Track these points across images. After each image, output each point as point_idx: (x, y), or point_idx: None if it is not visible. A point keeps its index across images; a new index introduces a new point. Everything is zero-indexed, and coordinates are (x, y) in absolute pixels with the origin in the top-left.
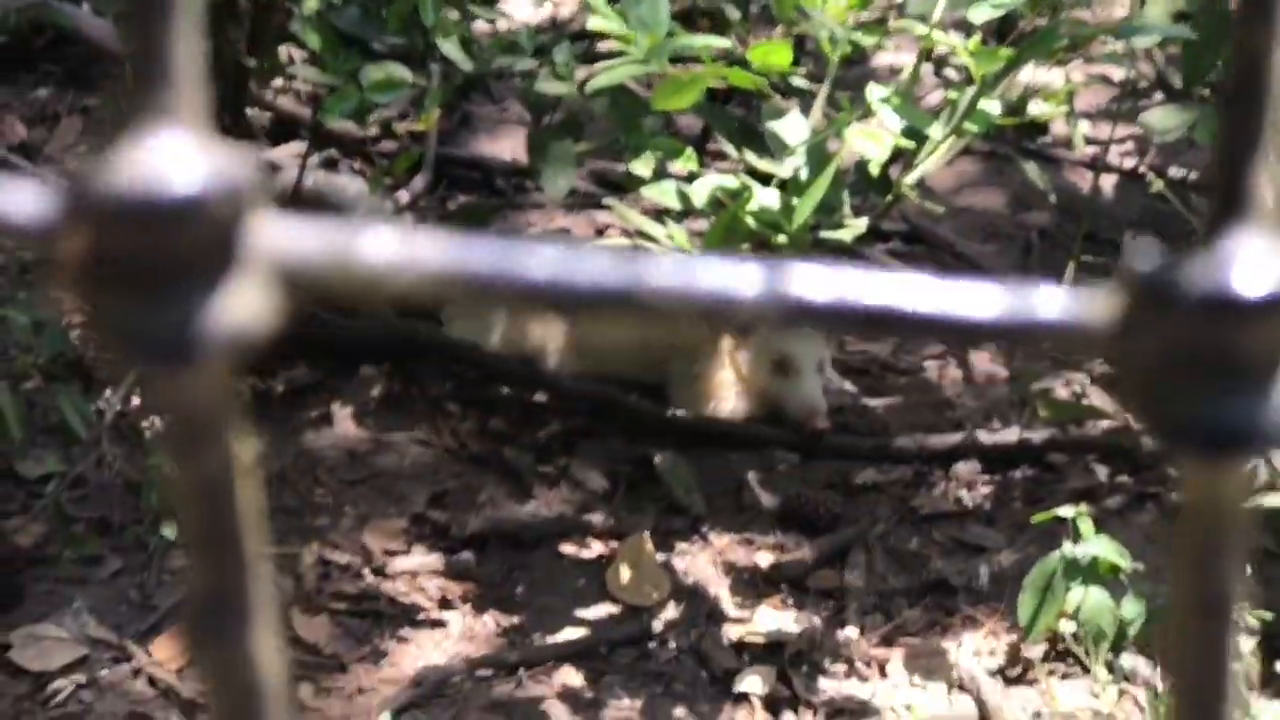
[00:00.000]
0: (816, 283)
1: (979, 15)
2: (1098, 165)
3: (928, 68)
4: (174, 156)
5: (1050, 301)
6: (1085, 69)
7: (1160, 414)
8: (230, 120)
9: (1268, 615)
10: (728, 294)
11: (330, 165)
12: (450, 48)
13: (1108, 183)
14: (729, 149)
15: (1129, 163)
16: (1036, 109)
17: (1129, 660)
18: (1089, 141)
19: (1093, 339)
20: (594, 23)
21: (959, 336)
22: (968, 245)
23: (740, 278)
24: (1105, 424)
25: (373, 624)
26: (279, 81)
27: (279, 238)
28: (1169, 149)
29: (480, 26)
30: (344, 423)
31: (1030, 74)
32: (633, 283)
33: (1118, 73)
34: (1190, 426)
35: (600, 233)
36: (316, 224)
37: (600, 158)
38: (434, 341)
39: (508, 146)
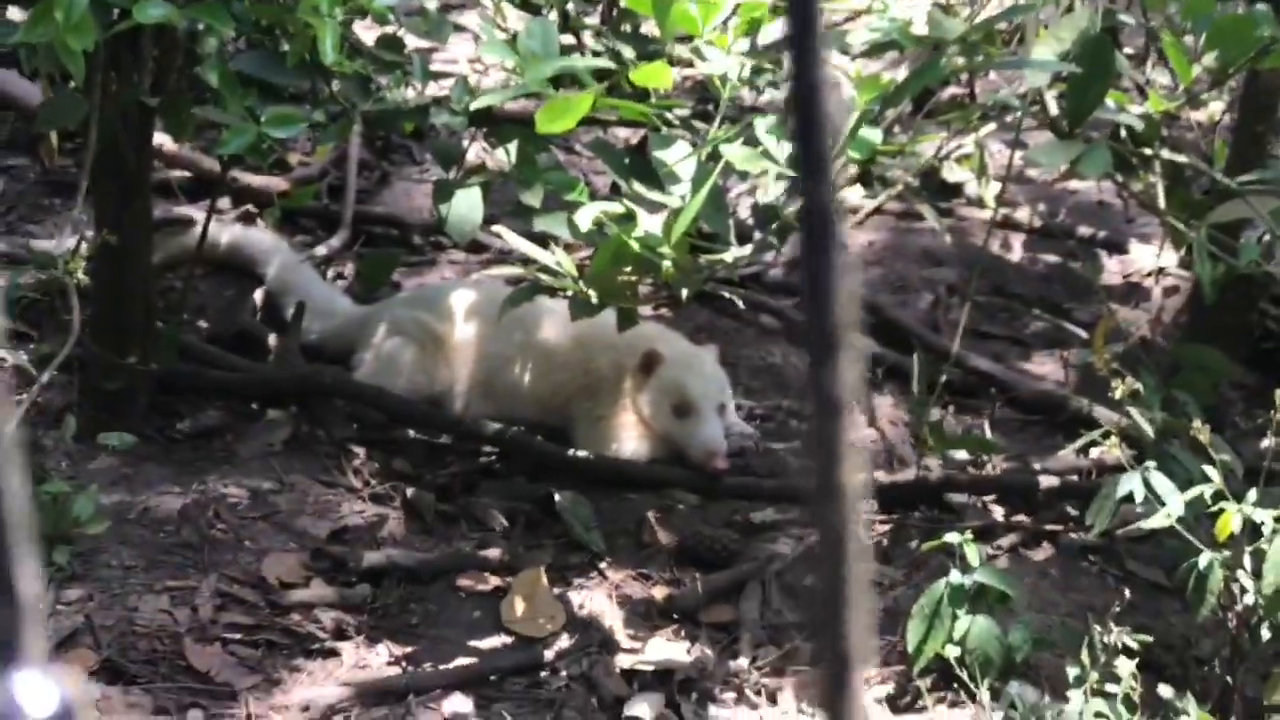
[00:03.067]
0: None
1: (857, 39)
2: (1006, 224)
3: None
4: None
5: None
6: (999, 135)
7: None
8: (135, 161)
9: (1149, 639)
10: None
11: (247, 220)
12: (347, 85)
13: (1017, 240)
14: (620, 182)
15: (1039, 222)
16: (950, 172)
17: (1015, 687)
18: (1001, 202)
19: None
20: (485, 52)
21: None
22: (877, 298)
23: None
24: (1002, 465)
25: (265, 653)
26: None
27: None
28: (1078, 209)
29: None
30: (248, 463)
31: (945, 140)
32: None
33: (1029, 137)
34: None
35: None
36: None
37: (518, 214)
38: (340, 385)
39: (425, 205)
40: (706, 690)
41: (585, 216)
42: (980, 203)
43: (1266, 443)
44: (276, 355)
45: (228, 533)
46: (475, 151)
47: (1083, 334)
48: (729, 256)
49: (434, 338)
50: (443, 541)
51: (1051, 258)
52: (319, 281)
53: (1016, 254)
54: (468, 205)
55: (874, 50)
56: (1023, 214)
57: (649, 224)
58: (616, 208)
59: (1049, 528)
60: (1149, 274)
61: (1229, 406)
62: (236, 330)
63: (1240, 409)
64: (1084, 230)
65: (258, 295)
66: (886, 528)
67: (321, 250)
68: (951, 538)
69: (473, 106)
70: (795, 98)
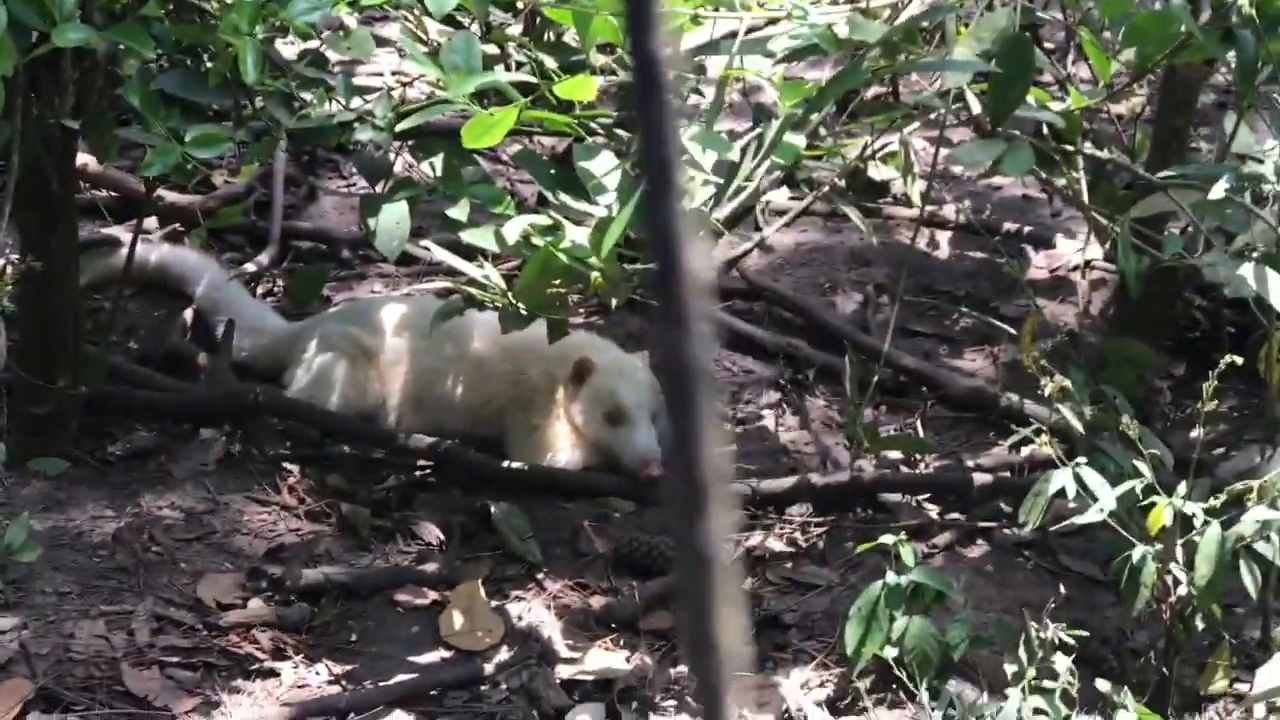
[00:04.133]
0: None
1: (778, 45)
2: (933, 221)
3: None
4: None
5: None
6: (924, 133)
7: None
8: (58, 183)
9: (1085, 634)
10: None
11: (174, 239)
12: (270, 102)
13: (943, 238)
14: (547, 193)
15: (964, 218)
16: (876, 170)
17: (954, 686)
18: (927, 200)
19: None
20: (409, 65)
21: None
22: (806, 299)
23: None
24: (935, 463)
25: (204, 675)
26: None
27: None
28: (1004, 205)
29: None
30: (182, 484)
31: (871, 139)
32: None
33: (954, 134)
34: None
35: (443, 298)
36: None
37: (445, 227)
38: (273, 403)
39: (353, 219)
40: (647, 699)
41: (513, 230)
42: (907, 201)
43: (1195, 433)
44: (207, 374)
45: (163, 555)
46: (401, 164)
47: (1011, 330)
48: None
49: (365, 352)
50: (379, 557)
51: (978, 254)
52: (248, 299)
53: (944, 251)
54: (395, 219)
55: (796, 55)
56: (949, 211)
57: (576, 235)
58: (543, 220)
59: (983, 525)
60: (1075, 268)
61: (1157, 397)
62: (166, 350)
63: (1168, 399)
64: (1009, 225)
65: (187, 314)
66: (822, 529)
67: (250, 267)
68: (887, 539)
69: (400, 128)
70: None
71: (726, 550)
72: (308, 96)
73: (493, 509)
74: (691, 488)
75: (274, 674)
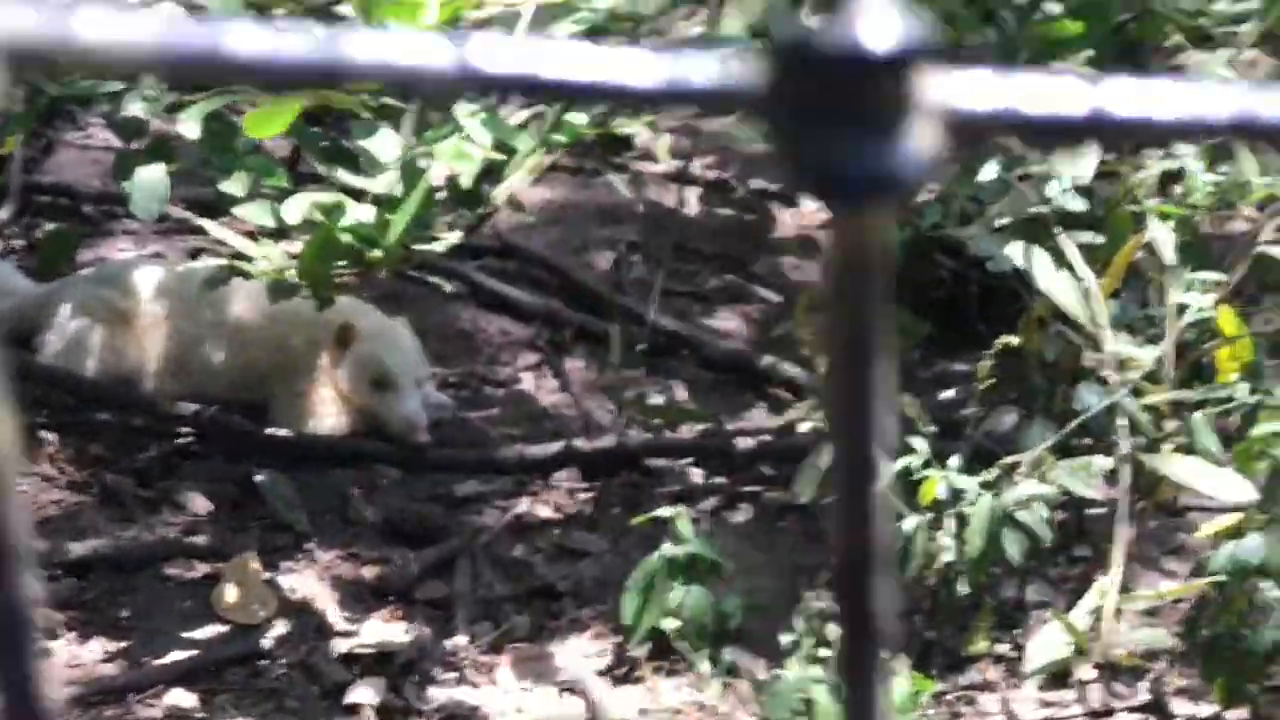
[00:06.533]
0: (502, 55)
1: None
2: (682, 178)
3: None
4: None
5: (703, 68)
6: None
7: (804, 166)
8: None
9: None
10: (422, 68)
11: None
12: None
13: (692, 194)
14: (321, 169)
15: (712, 175)
16: (621, 126)
17: (731, 654)
18: (673, 155)
19: (742, 99)
20: None
21: (621, 102)
22: (560, 258)
23: (433, 52)
24: (699, 428)
25: None
26: None
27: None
28: (751, 162)
29: None
30: None
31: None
32: (335, 58)
33: None
34: (830, 175)
35: (194, 256)
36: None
37: (190, 181)
38: (28, 368)
39: (95, 173)
40: (426, 671)
41: (294, 209)
42: (653, 156)
43: (946, 393)
44: None
45: None
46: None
47: (763, 290)
48: (440, 248)
49: (121, 316)
50: (146, 529)
51: (726, 211)
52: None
53: (692, 208)
54: (153, 181)
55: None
56: (695, 167)
57: (358, 213)
58: (326, 198)
59: (748, 489)
60: (821, 226)
61: (907, 356)
62: None
63: (917, 359)
64: (756, 183)
65: None
66: (589, 495)
67: None
68: (664, 512)
69: (185, 116)
70: None
71: None
72: None
73: (258, 477)
74: None
75: (44, 653)
